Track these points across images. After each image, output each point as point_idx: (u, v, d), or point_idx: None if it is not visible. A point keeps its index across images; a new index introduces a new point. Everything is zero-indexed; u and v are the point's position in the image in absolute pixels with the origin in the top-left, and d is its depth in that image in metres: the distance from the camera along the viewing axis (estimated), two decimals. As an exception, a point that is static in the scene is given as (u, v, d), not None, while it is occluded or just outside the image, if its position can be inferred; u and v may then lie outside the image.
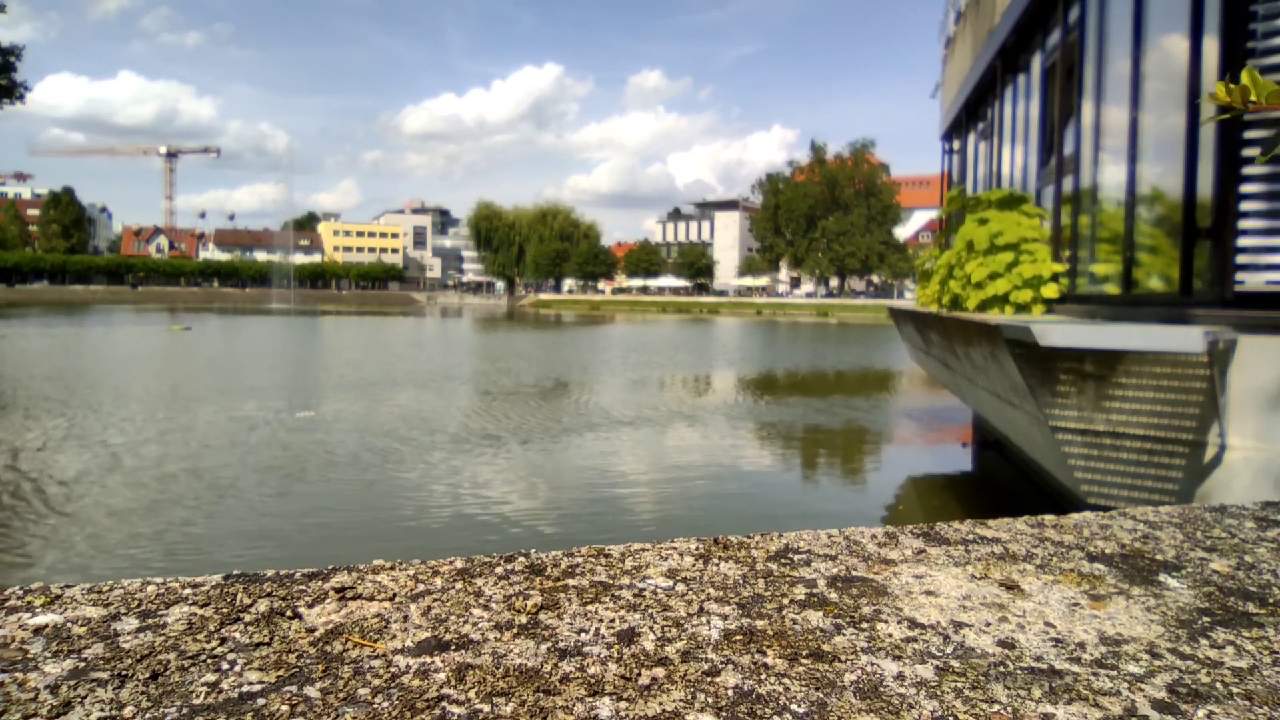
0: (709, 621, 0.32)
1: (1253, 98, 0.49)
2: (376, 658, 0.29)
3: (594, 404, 11.58)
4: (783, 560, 0.40)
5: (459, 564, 0.38)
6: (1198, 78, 4.38)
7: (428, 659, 0.29)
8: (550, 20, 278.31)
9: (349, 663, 0.28)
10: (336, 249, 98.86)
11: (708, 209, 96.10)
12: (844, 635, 0.32)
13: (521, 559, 0.39)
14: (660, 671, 0.28)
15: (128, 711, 0.25)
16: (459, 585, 0.35)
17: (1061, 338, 3.87)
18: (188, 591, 0.34)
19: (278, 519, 5.70)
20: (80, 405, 10.24)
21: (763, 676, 0.28)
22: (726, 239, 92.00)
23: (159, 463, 7.11)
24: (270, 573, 0.37)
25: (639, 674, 0.28)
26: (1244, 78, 0.49)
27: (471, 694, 0.27)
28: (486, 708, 0.26)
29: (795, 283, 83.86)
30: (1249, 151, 4.02)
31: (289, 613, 0.32)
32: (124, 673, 0.27)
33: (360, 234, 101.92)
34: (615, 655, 0.29)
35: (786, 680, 0.28)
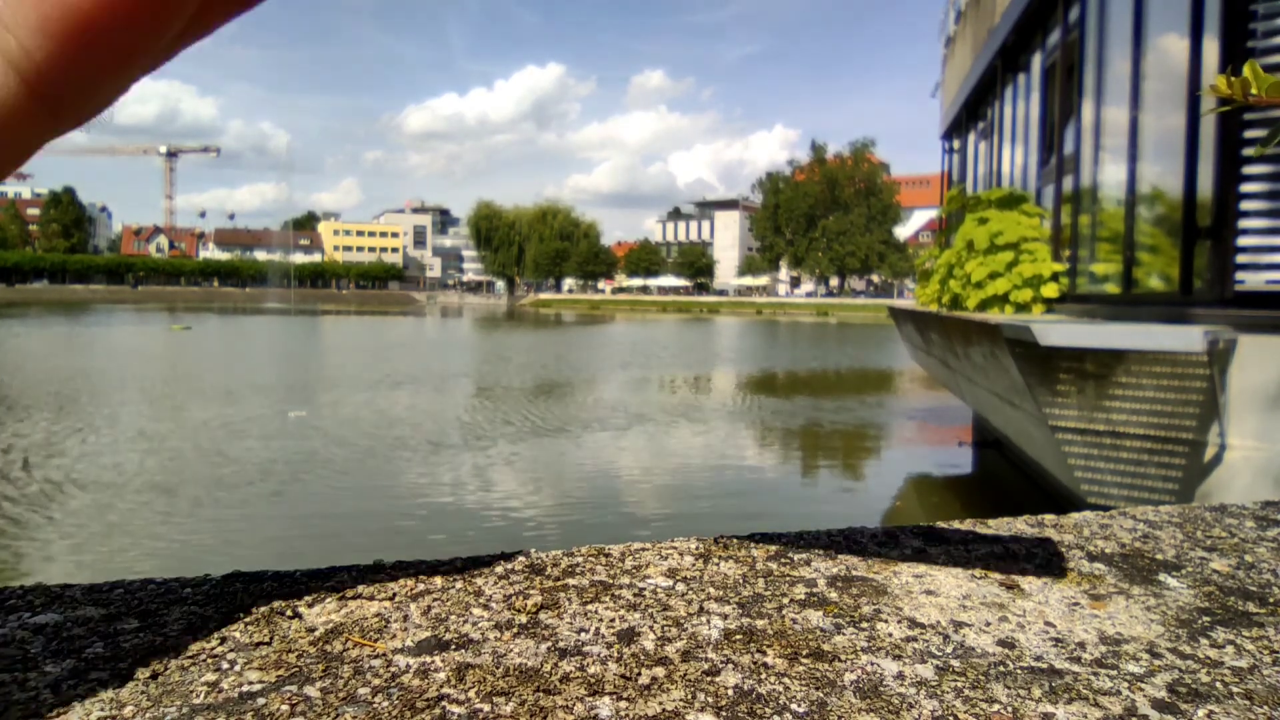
0: (709, 621, 0.32)
1: (1253, 90, 0.49)
2: (376, 657, 0.29)
3: (595, 404, 11.59)
4: (783, 560, 0.40)
5: (459, 563, 0.38)
6: (1198, 77, 4.38)
7: (428, 658, 0.29)
8: (553, 20, 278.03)
9: (349, 662, 0.28)
10: (336, 248, 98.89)
11: (708, 208, 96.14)
12: (844, 635, 0.31)
13: (521, 558, 0.39)
14: (660, 671, 0.28)
15: (128, 711, 0.25)
16: (459, 584, 0.35)
17: (1061, 337, 3.87)
18: (188, 591, 0.34)
19: (255, 534, 5.71)
20: (66, 406, 10.25)
21: (763, 676, 0.28)
22: (726, 238, 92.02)
23: (137, 472, 7.12)
24: (270, 572, 0.37)
25: (639, 673, 0.28)
26: (1245, 70, 0.49)
27: (471, 693, 0.26)
28: (486, 707, 0.26)
29: (795, 282, 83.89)
30: (1249, 150, 4.02)
31: (289, 612, 0.32)
32: (124, 672, 0.27)
33: (360, 233, 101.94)
34: (615, 655, 0.29)
35: (786, 680, 0.28)
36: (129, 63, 0.24)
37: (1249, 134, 4.00)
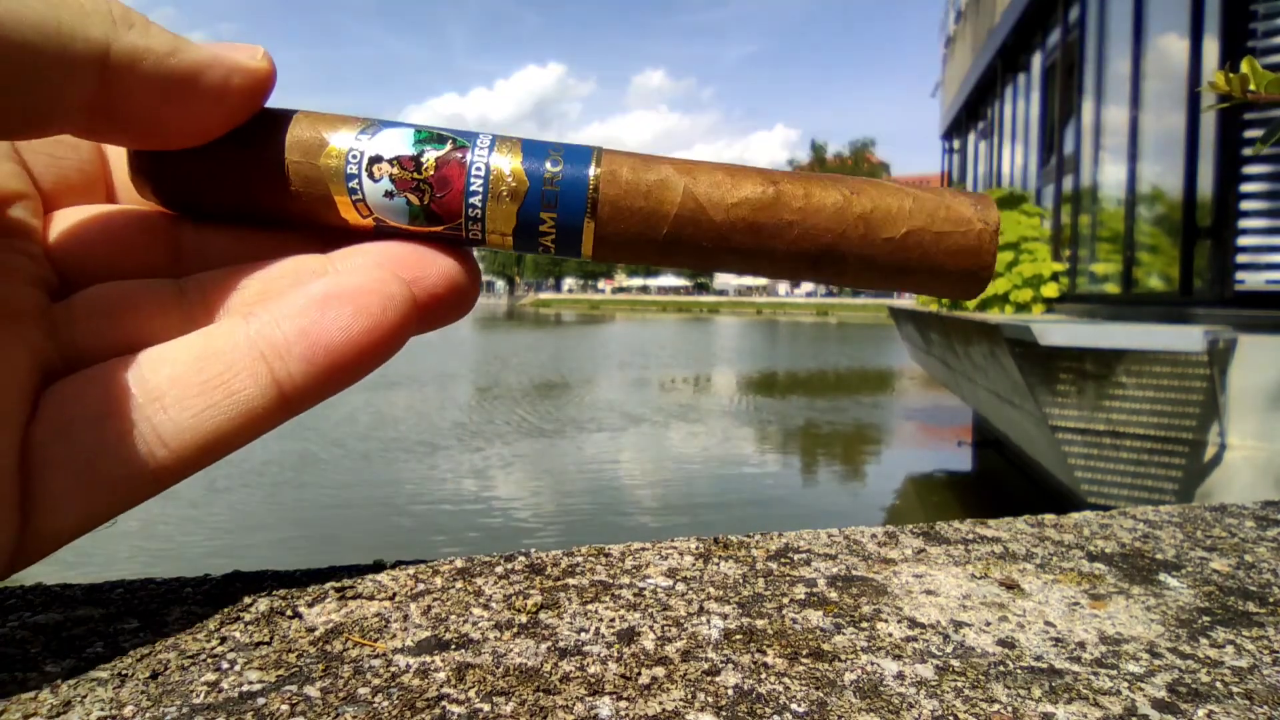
0: (709, 621, 0.32)
1: (1251, 87, 0.48)
2: (376, 657, 0.29)
3: (594, 405, 11.60)
4: (783, 560, 0.40)
5: (459, 563, 0.38)
6: (1198, 77, 4.38)
7: (428, 658, 0.29)
8: (553, 19, 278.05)
9: (349, 662, 0.28)
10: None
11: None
12: (844, 634, 0.32)
13: (521, 558, 0.39)
14: (660, 671, 0.28)
15: (128, 711, 0.25)
16: (459, 584, 0.35)
17: (1061, 337, 3.87)
18: (188, 591, 0.34)
19: (253, 535, 5.71)
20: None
21: (763, 676, 0.28)
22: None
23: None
24: (270, 572, 0.37)
25: (639, 673, 0.28)
26: (1244, 66, 0.49)
27: (471, 693, 0.27)
28: (486, 707, 0.26)
29: (795, 282, 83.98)
30: (1248, 150, 4.02)
31: (289, 612, 0.32)
32: (124, 672, 0.27)
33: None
34: (615, 654, 0.29)
35: (786, 679, 0.28)
36: (357, 379, 0.33)
37: (1249, 134, 4.00)
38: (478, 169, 0.34)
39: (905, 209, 0.36)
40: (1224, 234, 4.12)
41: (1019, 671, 0.29)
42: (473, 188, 0.34)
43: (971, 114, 12.20)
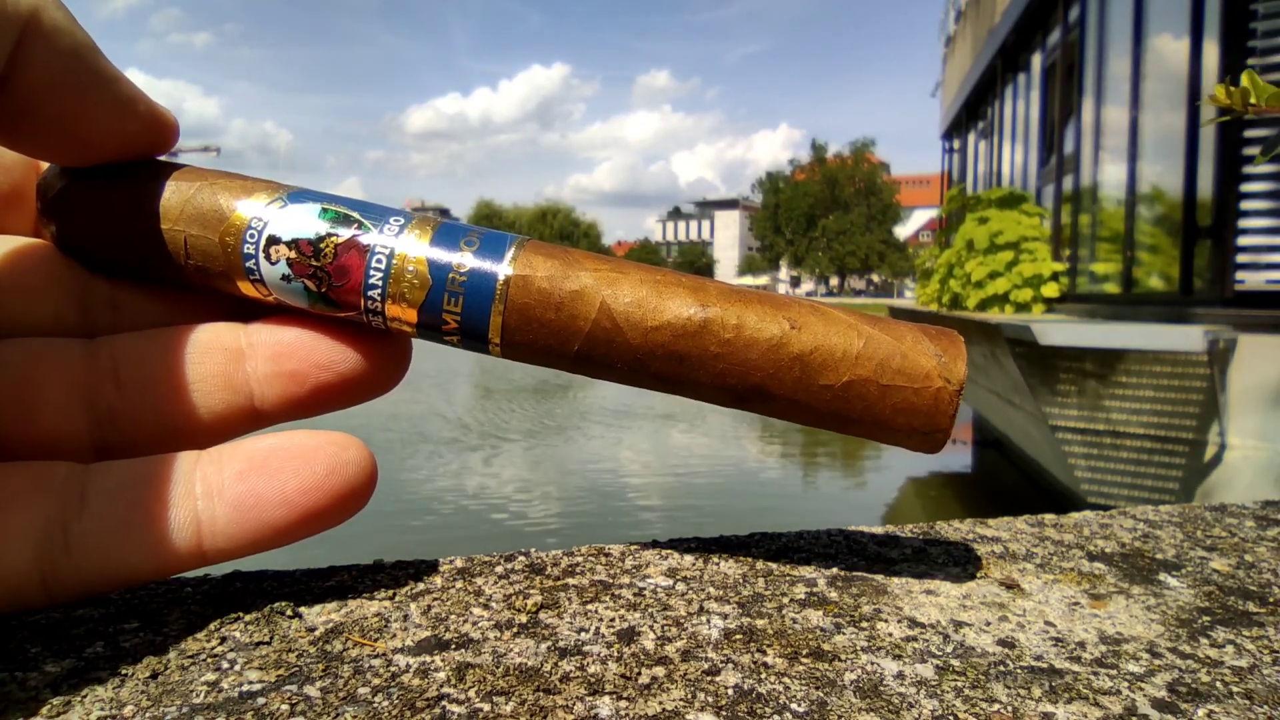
0: (709, 620, 0.32)
1: (1252, 100, 0.48)
2: (376, 657, 0.29)
3: (592, 404, 11.60)
4: (783, 559, 0.40)
5: (459, 563, 0.38)
6: (1198, 78, 4.38)
7: (428, 658, 0.29)
8: (558, 20, 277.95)
9: (349, 662, 0.28)
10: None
11: (708, 208, 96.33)
12: (844, 634, 0.32)
13: (521, 558, 0.39)
14: (660, 670, 0.28)
15: (128, 711, 0.25)
16: (459, 584, 0.35)
17: (1062, 337, 3.87)
18: (188, 591, 0.34)
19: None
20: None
21: (763, 675, 0.28)
22: (726, 238, 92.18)
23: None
24: (270, 572, 0.37)
25: (639, 673, 0.28)
26: (1244, 80, 0.49)
27: (471, 693, 0.27)
28: (486, 706, 0.26)
29: (795, 282, 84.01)
30: (1249, 150, 4.02)
31: (289, 612, 0.32)
32: (124, 672, 0.27)
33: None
34: (615, 654, 0.29)
35: (786, 679, 0.28)
36: (286, 541, 0.31)
37: (1249, 133, 4.00)
38: (379, 259, 0.32)
39: (852, 353, 0.32)
40: (1224, 234, 4.13)
41: (1019, 671, 0.29)
42: (371, 280, 0.32)
43: (971, 114, 12.20)
